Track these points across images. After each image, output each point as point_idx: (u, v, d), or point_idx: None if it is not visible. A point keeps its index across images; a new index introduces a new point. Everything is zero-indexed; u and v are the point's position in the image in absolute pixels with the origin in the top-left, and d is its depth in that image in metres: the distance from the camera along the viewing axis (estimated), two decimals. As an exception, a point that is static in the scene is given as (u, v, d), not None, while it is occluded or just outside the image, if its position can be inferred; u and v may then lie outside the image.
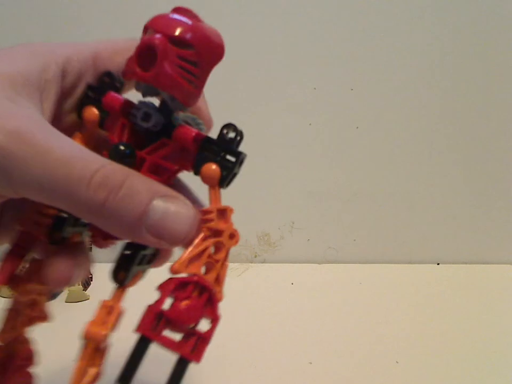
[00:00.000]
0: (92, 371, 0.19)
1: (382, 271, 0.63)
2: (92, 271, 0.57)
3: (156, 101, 0.22)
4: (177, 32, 0.19)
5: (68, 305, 0.52)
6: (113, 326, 0.20)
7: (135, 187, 0.19)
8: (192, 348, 0.19)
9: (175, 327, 0.19)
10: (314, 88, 0.62)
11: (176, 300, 0.19)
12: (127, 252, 0.21)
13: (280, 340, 0.46)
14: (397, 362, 0.43)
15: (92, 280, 0.56)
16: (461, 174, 0.65)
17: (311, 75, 0.62)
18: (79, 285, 0.53)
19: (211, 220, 0.20)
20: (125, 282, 0.21)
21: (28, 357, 0.26)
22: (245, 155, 0.21)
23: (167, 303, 0.19)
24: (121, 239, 0.21)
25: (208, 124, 0.26)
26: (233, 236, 0.21)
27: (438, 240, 0.67)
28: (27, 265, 0.24)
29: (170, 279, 0.20)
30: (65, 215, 0.23)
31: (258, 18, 0.60)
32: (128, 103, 0.22)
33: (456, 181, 0.65)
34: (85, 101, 0.23)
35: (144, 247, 0.21)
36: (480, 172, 0.65)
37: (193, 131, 0.21)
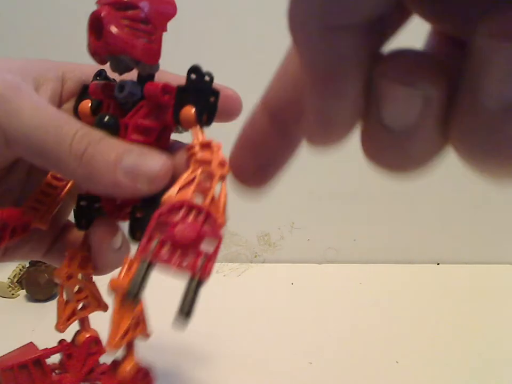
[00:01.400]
0: (124, 324, 0.20)
1: (382, 271, 0.63)
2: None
3: None
4: None
5: (67, 305, 0.52)
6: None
7: (112, 142, 0.21)
8: (198, 266, 0.18)
9: (175, 247, 0.18)
10: (314, 88, 0.62)
11: (170, 222, 0.19)
12: (138, 215, 0.23)
13: (280, 340, 0.46)
14: (397, 362, 0.43)
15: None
16: (461, 173, 0.65)
17: (311, 75, 0.62)
18: (79, 285, 0.53)
19: (195, 154, 0.21)
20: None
21: (96, 344, 0.27)
22: (217, 91, 0.22)
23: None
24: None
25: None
26: (223, 164, 0.21)
27: (438, 240, 0.67)
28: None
29: None
30: (83, 203, 0.25)
31: (258, 18, 0.60)
32: (109, 85, 0.24)
33: (456, 180, 0.65)
34: (81, 99, 0.25)
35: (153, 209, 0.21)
36: (480, 172, 0.65)
37: (161, 83, 0.22)
